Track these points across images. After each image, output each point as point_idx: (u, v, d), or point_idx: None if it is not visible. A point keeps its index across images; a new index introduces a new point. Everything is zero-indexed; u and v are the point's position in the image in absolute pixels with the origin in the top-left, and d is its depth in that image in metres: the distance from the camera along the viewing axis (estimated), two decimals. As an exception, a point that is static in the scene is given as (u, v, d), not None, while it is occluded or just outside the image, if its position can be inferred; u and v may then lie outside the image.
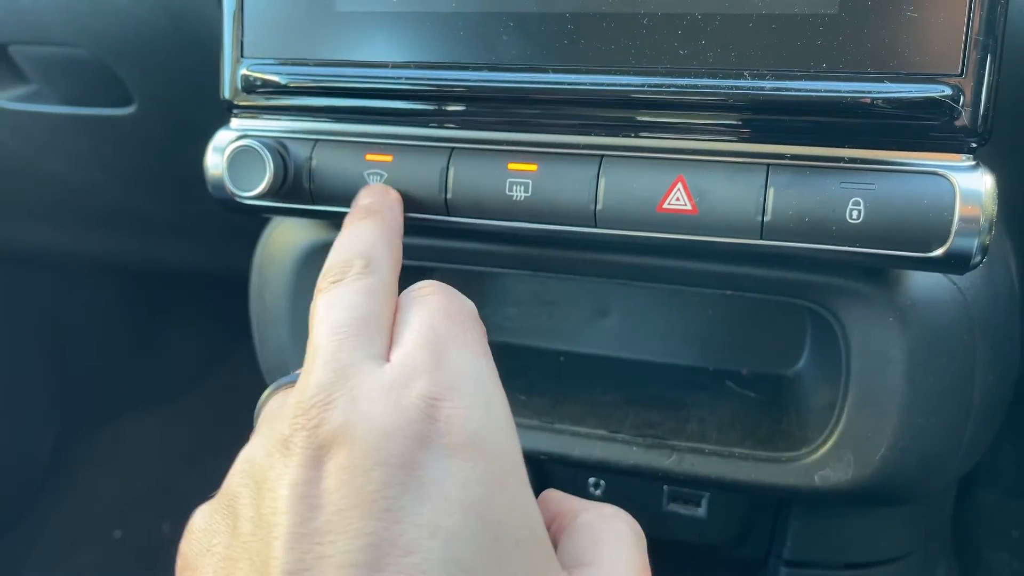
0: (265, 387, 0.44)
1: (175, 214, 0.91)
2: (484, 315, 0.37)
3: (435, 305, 0.37)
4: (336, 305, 0.37)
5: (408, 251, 0.46)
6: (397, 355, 0.34)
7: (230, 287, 0.85)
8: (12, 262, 1.22)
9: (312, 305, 0.38)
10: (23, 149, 0.87)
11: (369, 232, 0.43)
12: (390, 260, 0.41)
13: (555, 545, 0.37)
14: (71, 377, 1.36)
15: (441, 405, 0.32)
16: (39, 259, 1.20)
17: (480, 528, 0.29)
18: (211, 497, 0.35)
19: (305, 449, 0.31)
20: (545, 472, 0.68)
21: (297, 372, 0.39)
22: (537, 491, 0.37)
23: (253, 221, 0.67)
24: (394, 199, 0.49)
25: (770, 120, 0.45)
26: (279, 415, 0.34)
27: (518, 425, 0.62)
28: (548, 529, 0.38)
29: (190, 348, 1.49)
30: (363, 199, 0.49)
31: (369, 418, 0.31)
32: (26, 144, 0.86)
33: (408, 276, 0.42)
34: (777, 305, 0.58)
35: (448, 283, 0.39)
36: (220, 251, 0.95)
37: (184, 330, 1.48)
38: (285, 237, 0.64)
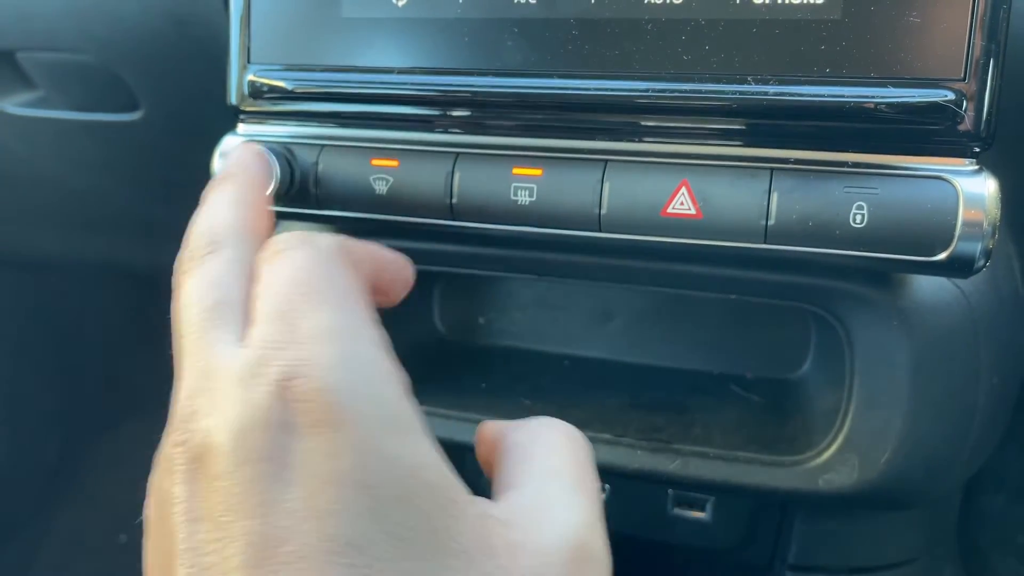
0: None
1: (181, 219, 0.91)
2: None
3: (283, 265, 0.35)
4: (188, 298, 0.35)
5: (413, 255, 0.46)
6: (250, 334, 0.33)
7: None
8: (18, 266, 1.22)
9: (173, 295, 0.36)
10: (30, 154, 0.87)
11: (214, 204, 0.40)
12: (239, 228, 0.38)
13: (492, 475, 0.36)
14: (76, 382, 1.37)
15: (294, 383, 0.30)
16: (45, 263, 1.21)
17: (355, 496, 0.28)
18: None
19: (182, 465, 0.31)
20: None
21: None
22: None
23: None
24: (252, 153, 0.46)
25: (774, 125, 0.45)
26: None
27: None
28: (487, 461, 0.37)
29: (195, 353, 1.49)
30: (223, 164, 0.45)
31: (228, 419, 0.30)
32: (33, 149, 0.86)
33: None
34: (781, 309, 0.58)
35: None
36: (226, 256, 0.95)
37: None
38: (291, 242, 0.64)
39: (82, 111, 0.81)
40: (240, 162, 0.45)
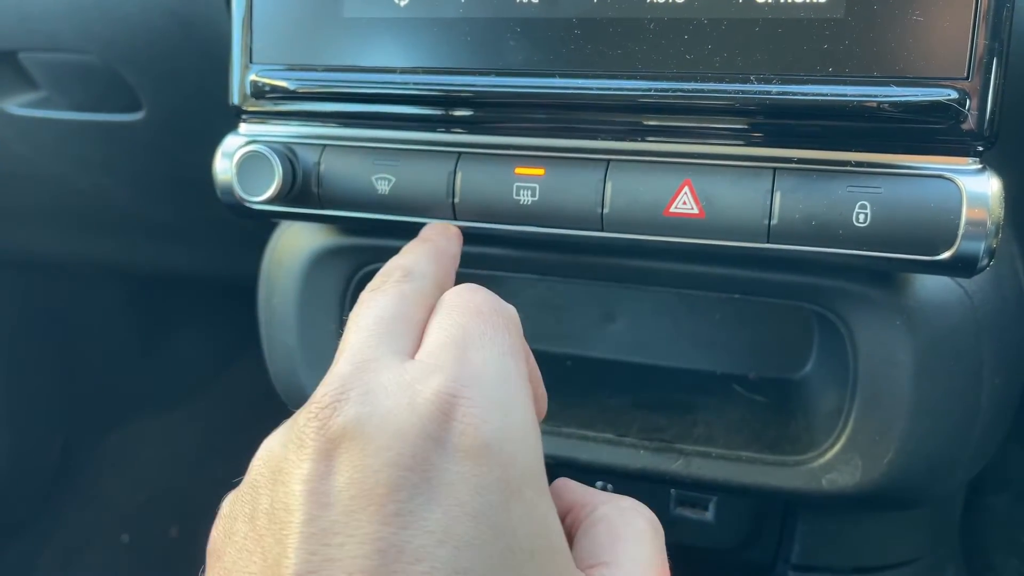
0: (273, 392, 0.44)
1: (183, 219, 0.92)
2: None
3: (467, 303, 0.36)
4: (369, 307, 0.36)
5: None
6: (421, 352, 0.34)
7: (238, 292, 0.85)
8: (21, 266, 1.23)
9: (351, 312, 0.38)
10: (33, 155, 0.87)
11: (414, 250, 0.43)
12: (432, 272, 0.40)
13: (570, 539, 0.36)
14: (79, 381, 1.37)
15: (458, 404, 0.31)
16: (48, 263, 1.21)
17: (492, 537, 0.28)
18: (237, 483, 0.34)
19: (316, 441, 0.30)
20: (552, 476, 0.68)
21: None
22: None
23: (262, 226, 0.67)
24: (452, 232, 0.49)
25: (776, 124, 0.45)
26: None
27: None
28: (563, 520, 0.37)
29: (198, 353, 1.50)
30: (422, 233, 0.49)
31: (382, 414, 0.30)
32: (36, 150, 0.87)
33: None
34: (784, 309, 0.58)
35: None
36: (228, 256, 0.96)
37: (192, 335, 1.49)
38: (293, 242, 0.64)
39: (84, 111, 0.81)
40: (446, 234, 0.48)
